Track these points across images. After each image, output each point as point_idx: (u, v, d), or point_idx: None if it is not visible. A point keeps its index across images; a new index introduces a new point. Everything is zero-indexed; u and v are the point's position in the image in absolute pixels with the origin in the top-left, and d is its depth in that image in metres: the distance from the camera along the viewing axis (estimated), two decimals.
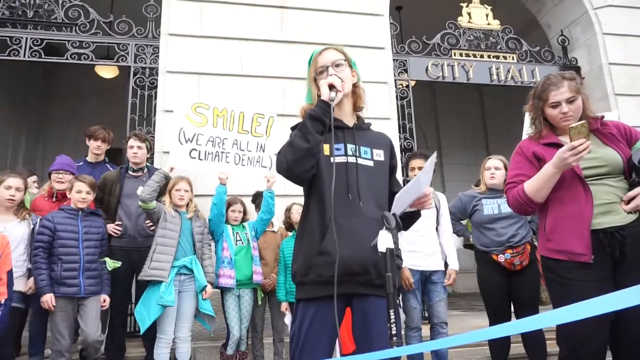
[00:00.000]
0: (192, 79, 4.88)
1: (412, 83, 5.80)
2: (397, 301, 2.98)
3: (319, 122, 1.66)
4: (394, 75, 5.56)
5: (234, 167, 3.75)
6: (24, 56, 4.88)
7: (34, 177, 4.44)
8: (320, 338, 1.66)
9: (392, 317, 1.43)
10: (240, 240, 3.70)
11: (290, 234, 3.89)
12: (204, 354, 3.96)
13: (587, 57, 6.32)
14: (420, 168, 3.47)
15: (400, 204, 1.64)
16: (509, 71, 6.03)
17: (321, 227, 1.69)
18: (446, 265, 3.52)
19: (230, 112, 3.79)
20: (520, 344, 3.29)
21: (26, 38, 4.89)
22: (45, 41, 4.95)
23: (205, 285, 3.38)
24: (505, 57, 6.14)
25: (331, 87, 1.67)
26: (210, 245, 3.65)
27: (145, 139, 3.92)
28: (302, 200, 1.92)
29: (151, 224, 3.57)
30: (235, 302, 3.57)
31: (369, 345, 1.63)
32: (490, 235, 3.34)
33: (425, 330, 3.49)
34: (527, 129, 2.36)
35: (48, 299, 3.03)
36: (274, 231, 4.02)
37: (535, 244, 3.51)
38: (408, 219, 1.80)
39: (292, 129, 1.87)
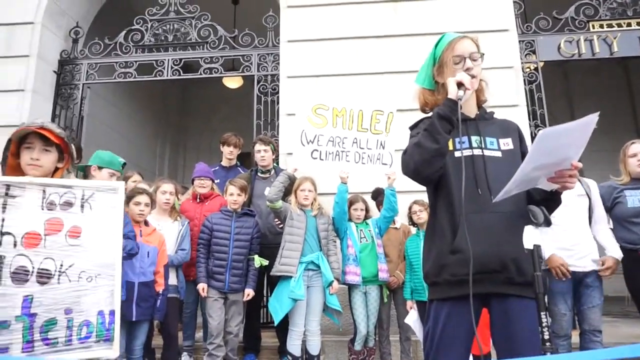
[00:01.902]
0: (311, 82, 5.07)
1: (541, 65, 5.27)
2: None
3: (448, 122, 1.59)
4: (521, 59, 5.13)
5: (355, 166, 3.76)
6: (167, 75, 5.58)
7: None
8: (455, 338, 1.60)
9: (544, 320, 1.31)
10: (365, 237, 3.72)
11: (414, 231, 3.81)
12: (333, 348, 4.07)
13: None
14: None
15: (532, 168, 1.38)
16: None
17: (451, 225, 1.63)
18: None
19: (349, 111, 3.81)
20: None
21: (168, 59, 5.57)
22: (183, 60, 5.58)
23: (332, 281, 3.47)
24: None
25: (459, 84, 1.59)
26: (335, 242, 3.73)
27: (269, 142, 4.18)
28: (422, 196, 1.86)
29: (279, 222, 3.78)
30: (362, 298, 3.60)
31: (512, 350, 1.52)
32: (637, 231, 2.96)
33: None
34: None
35: (200, 288, 3.51)
36: (396, 228, 3.97)
37: None
38: (544, 204, 1.63)
39: (411, 128, 1.82)
